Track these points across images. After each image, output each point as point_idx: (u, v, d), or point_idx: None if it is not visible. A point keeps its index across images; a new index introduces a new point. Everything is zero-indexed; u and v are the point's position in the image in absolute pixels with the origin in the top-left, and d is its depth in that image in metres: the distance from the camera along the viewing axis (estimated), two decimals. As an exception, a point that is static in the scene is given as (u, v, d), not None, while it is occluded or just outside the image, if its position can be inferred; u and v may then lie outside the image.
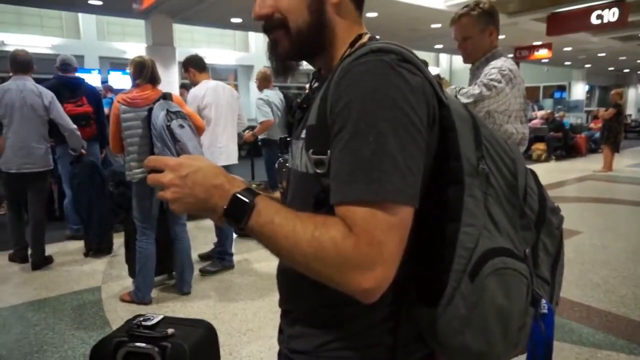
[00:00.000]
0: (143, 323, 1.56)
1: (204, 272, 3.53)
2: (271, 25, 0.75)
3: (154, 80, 2.90)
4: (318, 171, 0.66)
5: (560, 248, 0.78)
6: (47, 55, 11.52)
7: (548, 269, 0.76)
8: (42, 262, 3.71)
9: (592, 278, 3.45)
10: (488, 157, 0.69)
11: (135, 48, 12.07)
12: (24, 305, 3.03)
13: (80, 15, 12.47)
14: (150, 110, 2.73)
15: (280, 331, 0.83)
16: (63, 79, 4.13)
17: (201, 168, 0.65)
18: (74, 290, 3.27)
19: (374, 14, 8.55)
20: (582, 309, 2.93)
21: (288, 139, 0.84)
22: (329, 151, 0.64)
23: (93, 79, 9.41)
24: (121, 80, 10.12)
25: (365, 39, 0.74)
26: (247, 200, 0.63)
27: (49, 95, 3.59)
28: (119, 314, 2.90)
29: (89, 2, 7.77)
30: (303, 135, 0.71)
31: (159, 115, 2.67)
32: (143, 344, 1.51)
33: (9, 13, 11.76)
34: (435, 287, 0.65)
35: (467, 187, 0.65)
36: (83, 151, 3.92)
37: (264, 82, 4.58)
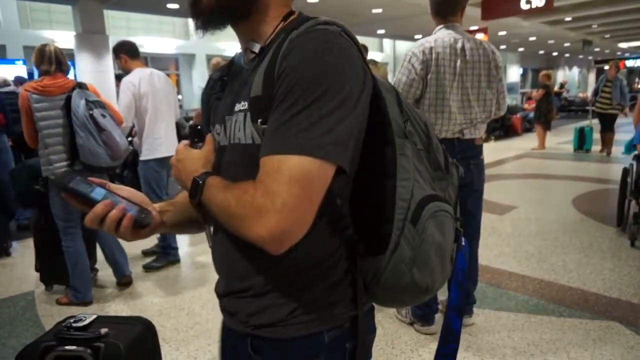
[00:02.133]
0: (74, 324, 1.48)
1: (148, 268, 3.40)
2: None
3: (61, 67, 2.73)
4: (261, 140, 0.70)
5: (458, 196, 0.88)
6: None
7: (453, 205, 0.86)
8: None
9: (527, 249, 3.66)
10: (409, 121, 0.77)
11: (64, 36, 11.30)
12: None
13: (-1, 1, 11.49)
14: (68, 99, 2.58)
15: (231, 314, 0.80)
16: None
17: (191, 158, 0.79)
18: (3, 297, 3.05)
19: (315, 0, 8.50)
20: (518, 279, 3.11)
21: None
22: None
23: (18, 70, 8.72)
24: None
25: (296, 15, 0.77)
26: (199, 181, 0.73)
27: None
28: (55, 318, 2.73)
29: (7, -14, 7.15)
30: (242, 107, 0.74)
31: (79, 104, 2.55)
32: (73, 347, 1.43)
33: None
34: (380, 237, 0.72)
35: (399, 147, 0.73)
36: None
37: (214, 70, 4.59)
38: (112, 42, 8.21)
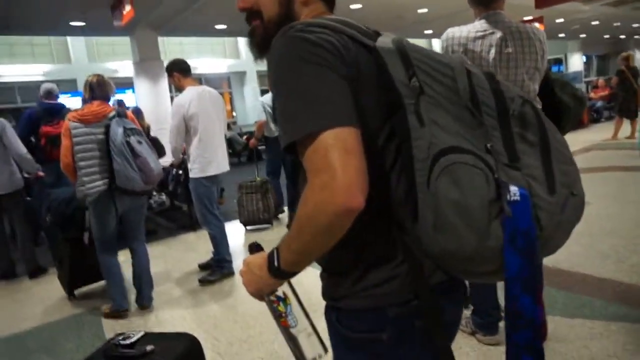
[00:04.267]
0: (121, 342, 1.50)
1: (203, 282, 3.47)
2: (250, 15, 0.90)
3: (103, 97, 2.91)
4: None
5: (545, 135, 0.74)
6: (39, 83, 11.59)
7: (538, 158, 0.73)
8: (35, 271, 4.06)
9: (601, 249, 3.33)
10: (420, 72, 0.73)
11: (125, 66, 12.09)
12: (25, 333, 2.99)
13: (69, 39, 12.53)
14: (107, 127, 2.75)
15: (322, 292, 0.90)
16: (44, 105, 4.31)
17: (258, 259, 0.83)
18: (74, 314, 3.23)
19: (358, 6, 8.46)
20: (593, 282, 2.82)
21: None
22: None
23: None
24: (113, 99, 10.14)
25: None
26: (273, 252, 0.79)
27: (1, 124, 3.82)
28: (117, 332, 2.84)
29: (72, 23, 7.77)
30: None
31: (117, 132, 2.71)
32: (120, 364, 1.45)
33: (1, 45, 11.83)
34: (412, 205, 0.70)
35: (408, 107, 0.71)
36: (40, 173, 4.12)
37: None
38: (167, 66, 8.66)
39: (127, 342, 1.50)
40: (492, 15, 2.03)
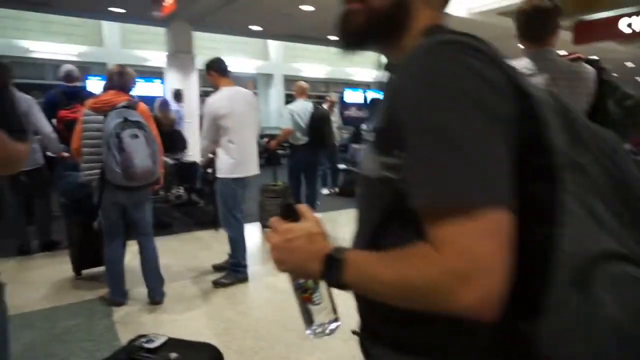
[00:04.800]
0: (145, 345, 1.46)
1: (217, 284, 3.43)
2: None
3: (119, 87, 2.94)
4: (390, 175, 0.63)
5: None
6: (72, 63, 11.75)
7: None
8: (48, 244, 4.18)
9: None
10: (582, 146, 0.60)
11: (156, 55, 12.22)
12: (36, 313, 2.98)
13: (104, 23, 12.70)
14: (107, 115, 2.77)
15: (367, 355, 0.77)
16: (62, 88, 4.34)
17: (305, 234, 0.69)
18: (86, 300, 3.20)
19: (310, 8, 8.23)
20: None
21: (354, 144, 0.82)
22: (399, 153, 0.61)
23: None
24: (143, 88, 10.24)
25: (441, 31, 0.67)
26: (337, 257, 0.64)
27: (26, 101, 3.78)
28: (128, 327, 2.81)
29: (111, 9, 7.88)
30: (370, 137, 0.69)
31: (110, 123, 2.69)
32: (144, 370, 1.41)
33: (36, 21, 12.03)
34: (536, 298, 0.55)
35: (563, 183, 0.56)
36: (64, 154, 4.08)
37: (299, 93, 5.22)
38: (199, 61, 8.71)
39: (151, 345, 1.45)
40: (542, 52, 1.89)
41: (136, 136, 2.74)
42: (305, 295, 0.75)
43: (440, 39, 0.60)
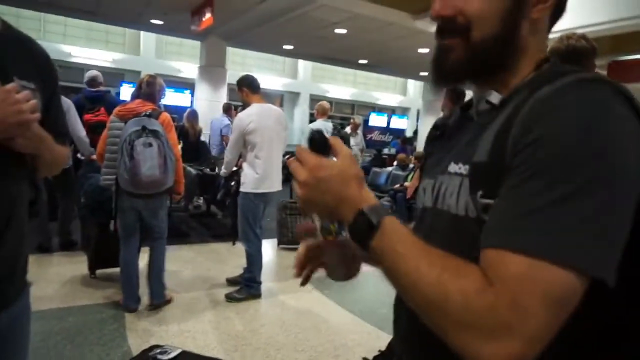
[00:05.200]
0: (159, 356, 1.45)
1: (230, 299, 3.40)
2: (449, 28, 0.63)
3: (146, 96, 3.03)
4: (485, 218, 0.55)
5: None
6: (109, 69, 12.16)
7: None
8: (67, 243, 4.27)
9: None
10: None
11: (189, 67, 12.53)
12: (51, 311, 3.00)
13: (142, 33, 13.14)
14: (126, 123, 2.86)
15: None
16: (87, 93, 4.54)
17: (338, 174, 0.60)
18: (99, 303, 3.22)
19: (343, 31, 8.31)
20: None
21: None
22: (493, 193, 0.55)
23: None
24: (173, 98, 10.48)
25: (550, 64, 0.62)
26: (372, 220, 0.57)
27: (65, 104, 3.91)
28: (138, 333, 2.80)
29: (151, 21, 8.15)
30: (460, 170, 0.61)
31: (127, 129, 2.79)
32: (155, 382, 1.39)
33: (78, 28, 12.54)
34: None
35: None
36: (93, 157, 4.13)
37: (320, 113, 5.39)
38: (229, 75, 8.91)
39: (164, 357, 1.44)
40: None
41: (150, 145, 2.79)
42: (329, 237, 0.73)
43: (581, 77, 0.53)
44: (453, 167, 0.63)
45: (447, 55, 0.64)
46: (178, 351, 1.49)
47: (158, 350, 1.47)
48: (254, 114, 3.37)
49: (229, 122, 6.66)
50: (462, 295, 0.48)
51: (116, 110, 3.03)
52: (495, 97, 0.62)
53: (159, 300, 3.15)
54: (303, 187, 0.61)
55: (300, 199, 0.62)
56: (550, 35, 0.66)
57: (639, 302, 0.54)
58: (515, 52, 0.62)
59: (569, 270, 0.46)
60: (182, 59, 13.87)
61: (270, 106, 3.56)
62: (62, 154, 1.13)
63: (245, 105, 3.50)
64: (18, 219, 1.01)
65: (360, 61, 10.86)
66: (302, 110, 16.19)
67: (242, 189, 3.41)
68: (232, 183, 4.63)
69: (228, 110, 7.24)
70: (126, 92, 7.72)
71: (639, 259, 0.52)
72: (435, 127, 0.80)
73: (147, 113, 2.91)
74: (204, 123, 6.87)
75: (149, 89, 3.06)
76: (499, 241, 0.49)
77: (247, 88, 3.49)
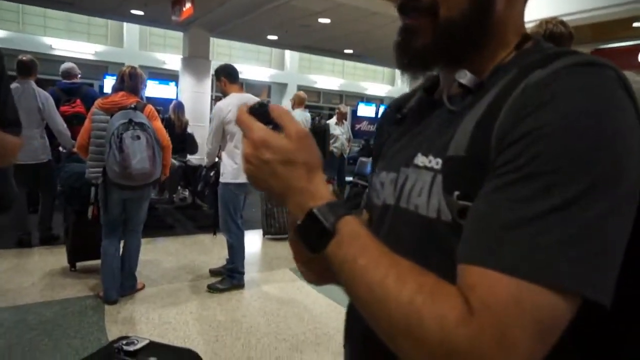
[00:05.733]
0: (124, 348, 1.43)
1: (212, 289, 3.39)
2: (413, 6, 0.55)
3: (130, 89, 3.00)
4: (461, 222, 0.47)
5: None
6: (91, 62, 11.97)
7: None
8: (48, 238, 4.19)
9: None
10: None
11: (174, 59, 12.36)
12: (29, 306, 2.96)
13: (125, 25, 12.92)
14: (112, 116, 2.84)
15: None
16: (62, 85, 4.51)
17: (283, 159, 0.50)
18: (78, 296, 3.19)
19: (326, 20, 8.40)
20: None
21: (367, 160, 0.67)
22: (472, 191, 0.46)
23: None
24: (158, 90, 10.33)
25: (532, 42, 0.55)
26: (324, 224, 0.48)
27: (44, 97, 3.92)
28: (118, 326, 2.78)
29: (131, 11, 8.00)
30: (431, 164, 0.52)
31: (114, 123, 2.78)
32: (120, 372, 1.38)
33: (59, 19, 12.29)
34: None
35: None
36: (74, 150, 4.07)
37: (297, 103, 5.44)
38: (214, 67, 8.78)
39: (130, 348, 1.42)
40: None
41: (138, 137, 2.80)
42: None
43: (581, 60, 0.45)
44: (421, 160, 0.54)
45: (414, 38, 0.56)
46: (145, 342, 1.48)
47: (125, 342, 1.45)
48: (232, 103, 3.33)
49: None
50: (439, 325, 0.40)
51: (99, 102, 3.01)
52: (468, 79, 0.54)
53: (125, 291, 3.17)
54: (247, 163, 0.53)
55: (246, 174, 0.54)
56: (531, 24, 0.61)
57: (632, 312, 0.50)
58: (490, 29, 0.54)
59: (564, 295, 0.39)
60: (167, 50, 13.69)
61: (250, 96, 3.53)
62: (12, 144, 1.09)
63: (224, 95, 3.47)
64: None
65: (346, 51, 10.79)
66: (290, 101, 16.12)
67: (221, 179, 3.38)
68: (212, 174, 4.59)
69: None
70: (110, 84, 7.57)
71: (636, 266, 0.46)
72: (396, 107, 0.69)
73: (133, 106, 2.90)
74: (189, 115, 6.78)
75: (132, 82, 3.03)
76: (482, 259, 0.41)
77: (225, 78, 3.45)
